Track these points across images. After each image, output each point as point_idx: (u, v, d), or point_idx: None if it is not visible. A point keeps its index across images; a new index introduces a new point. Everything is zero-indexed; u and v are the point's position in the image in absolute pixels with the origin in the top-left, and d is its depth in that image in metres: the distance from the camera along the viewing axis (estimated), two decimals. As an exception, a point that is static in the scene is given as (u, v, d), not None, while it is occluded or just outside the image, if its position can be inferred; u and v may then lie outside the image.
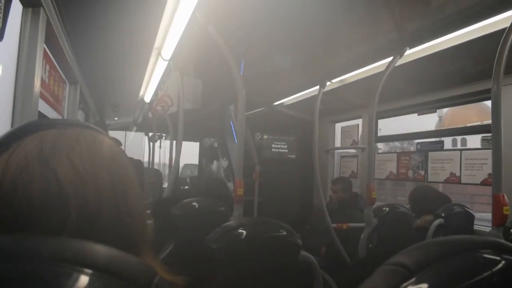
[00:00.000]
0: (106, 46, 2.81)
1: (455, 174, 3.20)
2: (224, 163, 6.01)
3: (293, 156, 5.25)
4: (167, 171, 6.06)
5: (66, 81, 3.08)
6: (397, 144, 11.40)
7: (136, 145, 9.69)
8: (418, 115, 3.59)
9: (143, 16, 2.16)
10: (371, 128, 2.96)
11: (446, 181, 3.32)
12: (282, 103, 4.61)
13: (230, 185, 4.86)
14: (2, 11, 1.33)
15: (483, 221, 3.22)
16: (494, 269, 0.49)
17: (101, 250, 0.36)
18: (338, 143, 4.82)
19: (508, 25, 1.79)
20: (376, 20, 2.33)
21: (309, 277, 1.52)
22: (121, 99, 5.22)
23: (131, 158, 3.62)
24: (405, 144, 10.91)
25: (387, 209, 2.65)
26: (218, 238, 1.35)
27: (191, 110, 3.53)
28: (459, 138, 7.74)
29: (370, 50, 2.71)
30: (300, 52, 2.97)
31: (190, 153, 10.39)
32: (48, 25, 1.84)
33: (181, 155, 3.53)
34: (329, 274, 2.91)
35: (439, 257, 0.49)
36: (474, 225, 2.88)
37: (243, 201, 2.27)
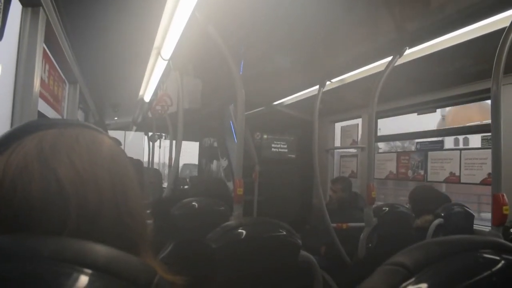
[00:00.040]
0: (106, 45, 2.81)
1: (454, 173, 3.20)
2: (224, 162, 6.01)
3: (293, 156, 5.25)
4: (166, 171, 6.06)
5: (66, 81, 3.08)
6: (398, 143, 11.40)
7: (136, 144, 9.68)
8: (418, 114, 3.59)
9: (143, 15, 2.16)
10: (371, 127, 2.96)
11: (446, 181, 3.32)
12: (281, 102, 4.61)
13: (230, 184, 4.85)
14: (1, 10, 1.32)
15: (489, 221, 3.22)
16: (494, 269, 0.49)
17: (101, 250, 0.36)
18: (337, 143, 4.82)
19: (507, 24, 1.79)
20: (376, 20, 2.33)
21: (309, 277, 1.52)
22: (121, 99, 5.21)
23: (131, 158, 3.61)
24: (406, 143, 10.92)
25: (387, 208, 2.65)
26: (218, 238, 1.35)
27: (191, 109, 3.53)
28: (461, 137, 7.74)
29: (370, 50, 2.71)
30: (299, 52, 2.97)
31: (190, 153, 10.39)
32: (48, 24, 1.84)
33: (180, 154, 3.53)
34: (329, 274, 2.91)
35: (438, 257, 0.49)
36: (474, 225, 2.88)
37: (242, 201, 2.27)
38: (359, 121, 4.36)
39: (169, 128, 4.51)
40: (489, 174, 2.85)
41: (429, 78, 3.09)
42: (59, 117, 2.78)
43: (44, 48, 1.96)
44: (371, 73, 3.03)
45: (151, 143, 6.10)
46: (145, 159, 7.13)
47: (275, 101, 4.63)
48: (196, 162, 8.66)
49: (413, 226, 2.74)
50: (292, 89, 4.10)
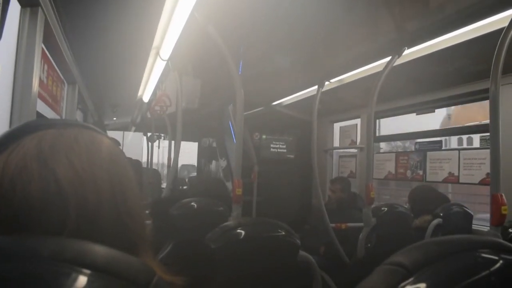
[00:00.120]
0: (105, 46, 2.81)
1: (453, 173, 3.21)
2: (223, 163, 6.01)
3: (292, 156, 5.25)
4: (165, 171, 6.06)
5: (65, 81, 3.08)
6: (399, 143, 11.40)
7: (135, 145, 9.67)
8: (417, 114, 3.59)
9: (142, 16, 2.16)
10: (370, 128, 2.96)
11: (444, 181, 3.32)
12: (280, 103, 4.61)
13: (229, 185, 4.85)
14: (0, 11, 1.32)
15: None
16: (492, 269, 0.49)
17: (100, 250, 0.36)
18: (336, 143, 4.83)
19: (506, 25, 1.79)
20: (375, 20, 2.33)
21: (308, 277, 1.52)
22: (120, 99, 5.21)
23: (130, 158, 3.61)
24: (407, 143, 10.93)
25: (386, 209, 2.65)
26: (217, 238, 1.35)
27: (190, 110, 3.53)
28: (465, 137, 7.73)
29: (369, 50, 2.71)
30: (299, 52, 2.97)
31: (188, 153, 10.38)
32: (46, 25, 1.84)
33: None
34: (328, 274, 2.91)
35: (437, 256, 0.49)
36: (473, 225, 2.89)
37: (241, 201, 2.27)
38: (358, 121, 4.36)
39: (168, 129, 4.51)
40: (487, 174, 2.85)
41: (428, 78, 3.10)
42: (58, 117, 2.77)
43: (42, 48, 1.96)
44: (370, 73, 3.04)
45: (150, 143, 6.10)
46: (144, 159, 7.13)
47: (274, 101, 4.63)
48: (195, 163, 8.66)
49: (411, 226, 2.74)
50: (291, 89, 4.10)
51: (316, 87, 3.40)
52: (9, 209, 0.42)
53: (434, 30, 2.27)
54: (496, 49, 1.80)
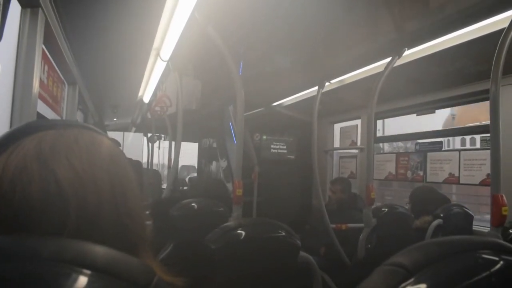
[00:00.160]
0: (105, 46, 2.81)
1: (453, 174, 3.20)
2: (223, 163, 6.01)
3: (292, 157, 5.25)
4: (166, 172, 6.06)
5: (65, 82, 3.08)
6: (400, 144, 11.41)
7: (135, 145, 9.67)
8: (417, 115, 3.59)
9: (142, 16, 2.16)
10: (370, 128, 2.96)
11: (445, 182, 3.32)
12: (281, 103, 4.61)
13: (229, 185, 4.85)
14: (0, 11, 1.32)
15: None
16: (493, 270, 0.49)
17: (100, 251, 0.36)
18: (337, 144, 4.83)
19: (507, 25, 1.79)
20: (375, 20, 2.33)
21: (308, 278, 1.52)
22: (120, 100, 5.22)
23: (130, 159, 3.61)
24: (409, 144, 10.94)
25: (386, 209, 2.65)
26: (217, 238, 1.35)
27: (190, 110, 3.53)
28: (468, 137, 7.74)
29: (370, 50, 2.71)
30: (299, 52, 2.97)
31: (189, 154, 10.38)
32: (47, 25, 1.84)
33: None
34: (328, 274, 2.91)
35: (438, 257, 0.49)
36: (474, 226, 2.88)
37: (242, 201, 2.26)
38: (358, 122, 4.36)
39: (168, 129, 4.51)
40: (488, 175, 2.85)
41: (428, 79, 3.10)
42: (58, 118, 2.77)
43: (43, 49, 1.96)
44: (370, 73, 3.04)
45: (150, 144, 6.10)
46: (144, 160, 7.13)
47: (274, 102, 4.64)
48: (195, 164, 8.65)
49: (412, 227, 2.74)
50: (292, 89, 4.10)
51: (316, 87, 3.41)
52: (9, 209, 0.42)
53: (434, 30, 2.27)
54: (497, 50, 1.80)
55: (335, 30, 2.48)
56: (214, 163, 7.20)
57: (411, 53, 2.59)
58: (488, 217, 1.89)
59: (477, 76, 2.75)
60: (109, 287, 0.33)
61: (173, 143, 4.10)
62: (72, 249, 0.35)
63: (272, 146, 5.17)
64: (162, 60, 2.86)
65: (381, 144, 9.50)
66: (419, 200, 3.00)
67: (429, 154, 3.47)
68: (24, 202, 0.42)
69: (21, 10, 1.66)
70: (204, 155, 7.76)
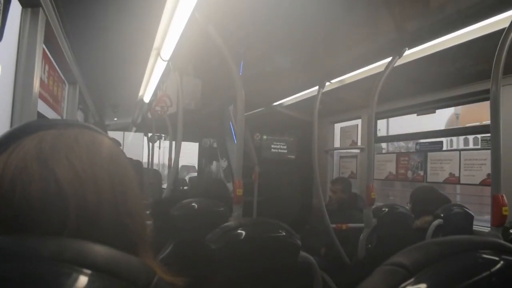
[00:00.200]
0: (105, 46, 2.81)
1: (454, 174, 3.20)
2: (224, 163, 6.01)
3: (293, 157, 5.25)
4: (166, 172, 6.06)
5: (65, 82, 3.08)
6: (402, 144, 11.40)
7: (136, 145, 9.68)
8: (417, 115, 3.59)
9: (142, 16, 2.16)
10: (370, 128, 2.96)
11: (445, 182, 3.32)
12: (281, 103, 4.61)
13: (230, 185, 4.85)
14: (1, 11, 1.32)
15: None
16: (493, 270, 0.49)
17: (100, 250, 0.36)
18: (337, 144, 4.83)
19: (507, 25, 1.79)
20: (376, 20, 2.33)
21: (308, 278, 1.52)
22: (120, 100, 5.22)
23: (131, 159, 3.62)
24: (410, 143, 10.94)
25: (386, 209, 2.65)
26: (217, 238, 1.35)
27: (191, 110, 3.53)
28: (471, 137, 7.73)
29: (370, 50, 2.71)
30: (299, 52, 2.97)
31: (189, 154, 10.38)
32: (47, 25, 1.84)
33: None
34: (329, 274, 2.91)
35: (438, 257, 0.49)
36: (474, 225, 2.88)
37: (242, 201, 2.26)
38: (358, 121, 4.36)
39: (168, 129, 4.51)
40: (488, 175, 2.85)
41: (428, 79, 3.10)
42: (58, 117, 2.78)
43: (43, 49, 1.96)
44: (370, 73, 3.03)
45: (150, 144, 6.10)
46: (145, 160, 7.14)
47: (274, 102, 4.64)
48: (195, 163, 8.65)
49: (412, 227, 2.74)
50: (292, 89, 4.10)
51: (316, 87, 3.41)
52: (9, 209, 0.42)
53: (434, 30, 2.27)
54: (497, 50, 1.80)
55: (335, 30, 2.48)
56: (214, 163, 7.21)
57: (411, 53, 2.59)
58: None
59: (477, 76, 2.75)
60: (109, 287, 0.33)
61: (174, 143, 4.10)
62: (72, 249, 0.35)
63: (272, 146, 5.18)
64: (163, 60, 2.86)
65: (383, 144, 9.48)
66: (420, 200, 3.00)
67: (429, 154, 3.47)
68: (24, 202, 0.42)
69: (22, 9, 1.66)
70: (205, 155, 7.76)
